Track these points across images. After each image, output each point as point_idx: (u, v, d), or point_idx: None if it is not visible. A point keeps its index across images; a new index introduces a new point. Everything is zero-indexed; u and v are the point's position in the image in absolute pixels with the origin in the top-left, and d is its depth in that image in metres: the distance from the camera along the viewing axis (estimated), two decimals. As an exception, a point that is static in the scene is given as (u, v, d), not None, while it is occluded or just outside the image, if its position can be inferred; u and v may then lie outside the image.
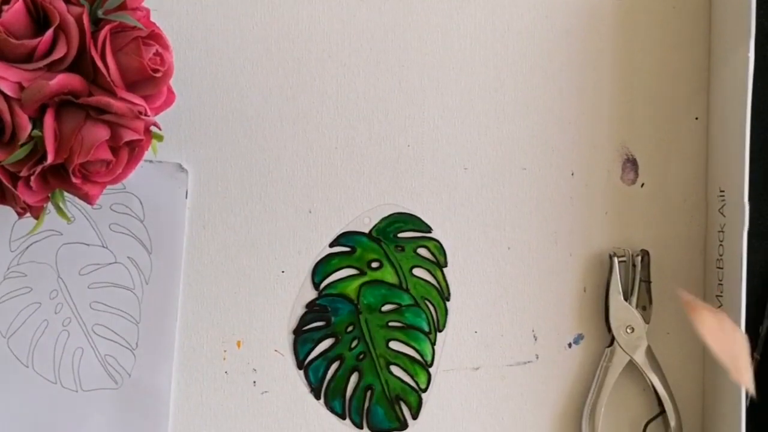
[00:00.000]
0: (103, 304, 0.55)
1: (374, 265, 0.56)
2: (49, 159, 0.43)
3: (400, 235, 0.57)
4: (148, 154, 0.49)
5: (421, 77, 0.58)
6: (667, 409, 0.57)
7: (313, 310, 0.56)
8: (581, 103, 0.59)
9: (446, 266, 0.57)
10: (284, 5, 0.57)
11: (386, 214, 0.56)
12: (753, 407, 0.55)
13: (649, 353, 0.57)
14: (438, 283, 0.57)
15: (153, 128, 0.48)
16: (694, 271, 0.59)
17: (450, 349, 0.58)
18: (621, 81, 0.59)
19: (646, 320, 0.58)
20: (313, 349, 0.56)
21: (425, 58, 0.58)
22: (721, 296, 0.56)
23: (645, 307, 0.58)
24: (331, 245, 0.56)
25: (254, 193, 0.57)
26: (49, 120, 0.44)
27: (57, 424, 0.55)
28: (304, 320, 0.56)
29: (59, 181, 0.46)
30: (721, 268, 0.56)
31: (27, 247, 0.55)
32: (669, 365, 0.58)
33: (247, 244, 0.56)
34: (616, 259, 0.57)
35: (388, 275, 0.56)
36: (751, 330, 0.55)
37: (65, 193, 0.48)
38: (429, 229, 0.57)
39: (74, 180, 0.45)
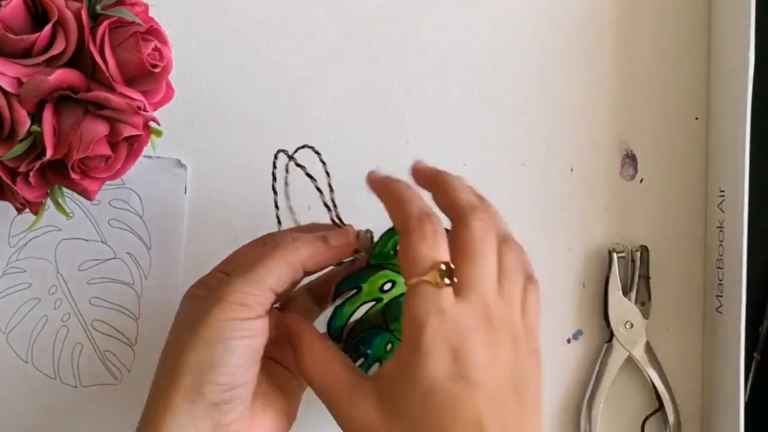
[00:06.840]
0: (102, 300, 0.55)
1: (386, 287, 0.49)
2: (48, 154, 0.43)
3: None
4: (147, 149, 0.49)
5: (420, 73, 0.58)
6: (665, 404, 0.57)
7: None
8: (580, 98, 0.59)
9: None
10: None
11: (378, 236, 0.48)
12: (752, 403, 0.55)
13: (648, 349, 0.58)
14: None
15: (152, 123, 0.48)
16: (694, 266, 0.59)
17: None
18: (620, 77, 0.59)
19: (645, 316, 0.58)
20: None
21: (424, 54, 0.58)
22: (721, 296, 0.56)
23: (644, 303, 0.58)
24: (333, 299, 0.48)
25: (253, 188, 0.57)
26: (47, 115, 0.44)
27: (56, 420, 0.55)
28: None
29: (58, 176, 0.46)
30: (721, 268, 0.56)
31: (26, 243, 0.54)
32: (668, 361, 0.58)
33: (246, 239, 0.56)
34: (615, 255, 0.57)
35: (402, 287, 0.49)
36: (751, 330, 0.56)
37: (64, 189, 0.48)
38: None
39: (73, 175, 0.45)
